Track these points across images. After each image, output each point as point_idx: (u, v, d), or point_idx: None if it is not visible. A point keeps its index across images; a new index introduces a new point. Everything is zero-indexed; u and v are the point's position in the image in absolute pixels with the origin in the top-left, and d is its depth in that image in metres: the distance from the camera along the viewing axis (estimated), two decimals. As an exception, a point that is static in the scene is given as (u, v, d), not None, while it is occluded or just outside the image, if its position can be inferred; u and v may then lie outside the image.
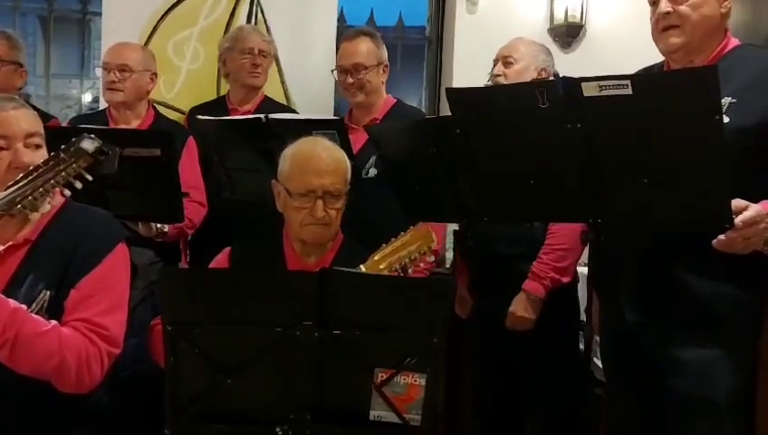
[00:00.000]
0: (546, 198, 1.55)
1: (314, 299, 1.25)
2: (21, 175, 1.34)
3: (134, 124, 2.42)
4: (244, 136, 2.11)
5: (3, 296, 1.36)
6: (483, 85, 2.50)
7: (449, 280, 1.99)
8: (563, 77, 1.40)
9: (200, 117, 2.23)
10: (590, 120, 1.38)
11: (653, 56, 1.75)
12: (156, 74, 2.49)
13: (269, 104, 2.63)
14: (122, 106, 2.41)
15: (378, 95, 2.40)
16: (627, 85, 1.30)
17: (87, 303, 1.45)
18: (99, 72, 2.54)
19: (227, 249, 1.79)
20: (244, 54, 2.61)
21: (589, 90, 1.34)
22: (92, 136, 1.36)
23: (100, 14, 3.06)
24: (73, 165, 1.33)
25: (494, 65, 2.34)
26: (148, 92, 2.48)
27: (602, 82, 1.32)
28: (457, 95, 1.51)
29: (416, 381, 1.30)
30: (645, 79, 1.49)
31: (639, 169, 1.38)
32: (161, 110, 2.69)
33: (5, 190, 1.34)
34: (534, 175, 1.52)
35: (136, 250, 1.70)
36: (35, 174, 1.34)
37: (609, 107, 1.34)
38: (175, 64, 2.98)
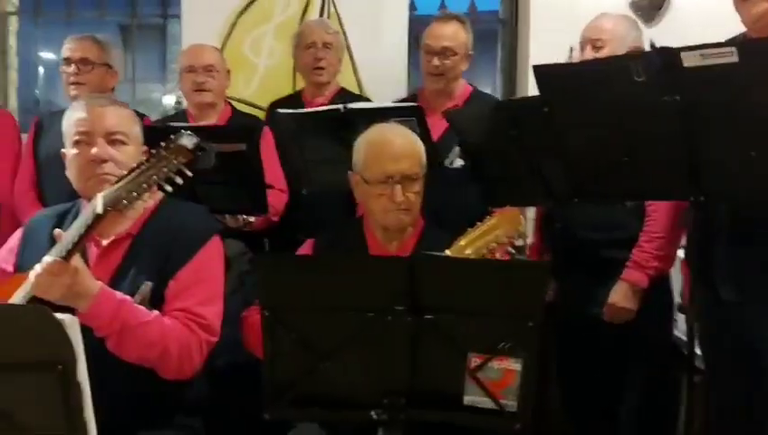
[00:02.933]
0: (641, 176, 1.49)
1: (406, 284, 1.24)
2: (126, 172, 1.40)
3: (212, 121, 2.48)
4: (323, 127, 2.13)
5: (109, 289, 1.43)
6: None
7: (544, 263, 1.93)
8: (661, 47, 1.34)
9: (280, 111, 2.26)
10: (691, 91, 1.31)
11: (740, 27, 1.65)
12: (230, 71, 2.56)
13: (343, 95, 2.63)
14: (207, 105, 2.47)
15: (457, 82, 2.38)
16: (732, 53, 1.22)
17: (185, 293, 1.50)
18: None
19: (310, 240, 1.82)
20: (307, 50, 2.62)
21: (689, 60, 1.27)
22: (190, 133, 1.39)
23: (177, 17, 3.16)
24: (174, 161, 1.36)
25: (582, 49, 2.23)
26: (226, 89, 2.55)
27: (705, 51, 1.25)
28: (546, 71, 1.47)
29: (511, 366, 1.28)
30: (753, 45, 1.41)
31: (745, 142, 1.30)
32: (240, 106, 2.76)
33: (111, 187, 1.40)
34: (628, 152, 1.46)
35: (226, 242, 1.74)
36: (138, 171, 1.39)
37: (712, 77, 1.27)
38: (252, 61, 3.04)
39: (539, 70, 1.47)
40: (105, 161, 1.51)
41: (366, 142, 1.75)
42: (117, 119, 1.56)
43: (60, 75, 2.53)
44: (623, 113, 1.41)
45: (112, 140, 1.54)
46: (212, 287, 1.54)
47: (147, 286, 1.48)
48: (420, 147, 1.74)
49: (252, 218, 2.21)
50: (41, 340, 0.99)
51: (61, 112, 2.54)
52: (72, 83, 2.45)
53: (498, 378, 1.28)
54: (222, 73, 2.50)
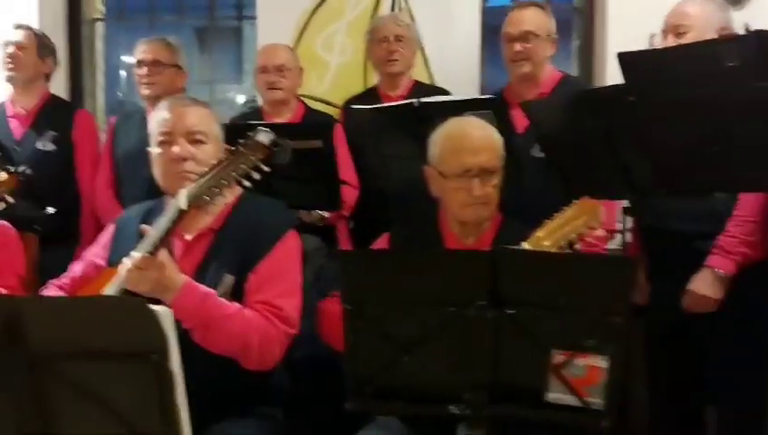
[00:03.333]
0: (731, 166, 1.41)
1: (487, 278, 1.23)
2: (206, 169, 1.44)
3: (286, 118, 2.53)
4: (398, 122, 2.13)
5: (194, 282, 1.47)
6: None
7: (630, 257, 1.84)
8: (757, 30, 1.26)
9: (354, 106, 2.28)
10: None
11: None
12: (302, 70, 2.60)
13: (420, 88, 2.61)
14: (280, 103, 2.53)
15: (543, 68, 2.30)
16: (837, 32, 1.14)
17: (264, 286, 1.53)
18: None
19: (386, 235, 1.82)
20: (380, 44, 2.62)
21: (787, 41, 1.20)
22: (267, 129, 1.42)
23: (252, 19, 3.23)
24: (251, 157, 1.39)
25: (664, 37, 2.10)
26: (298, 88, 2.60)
27: (803, 32, 1.17)
28: (632, 59, 1.41)
29: (597, 363, 1.24)
30: None
31: None
32: (313, 104, 2.79)
33: (193, 184, 1.44)
34: (718, 141, 1.39)
35: (302, 237, 1.77)
36: (218, 168, 1.42)
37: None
38: (324, 59, 3.08)
39: (624, 57, 1.42)
40: (186, 160, 1.56)
41: (443, 136, 1.74)
42: (197, 118, 1.60)
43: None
44: (714, 100, 1.34)
45: (193, 139, 1.58)
46: (290, 280, 1.57)
47: (229, 280, 1.52)
48: (498, 139, 1.71)
49: (326, 214, 2.24)
50: (136, 330, 1.03)
51: (134, 113, 2.69)
52: (144, 84, 2.55)
53: (583, 375, 1.25)
54: (293, 72, 2.54)
